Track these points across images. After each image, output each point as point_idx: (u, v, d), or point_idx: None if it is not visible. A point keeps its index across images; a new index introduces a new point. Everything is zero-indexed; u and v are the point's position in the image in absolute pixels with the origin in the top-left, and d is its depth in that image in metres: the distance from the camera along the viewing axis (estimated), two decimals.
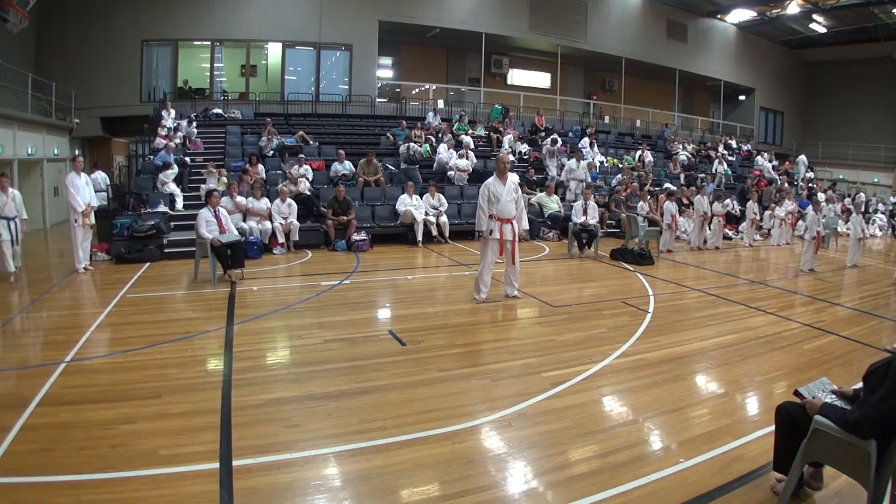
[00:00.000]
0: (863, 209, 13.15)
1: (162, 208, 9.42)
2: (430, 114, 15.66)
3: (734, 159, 18.99)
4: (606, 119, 20.91)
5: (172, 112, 13.00)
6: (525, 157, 14.74)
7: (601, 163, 15.32)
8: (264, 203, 9.30)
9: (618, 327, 5.34)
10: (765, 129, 25.40)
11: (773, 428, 2.69)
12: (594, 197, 10.36)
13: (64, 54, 14.46)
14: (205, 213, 7.07)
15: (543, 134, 16.47)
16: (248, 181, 9.76)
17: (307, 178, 10.80)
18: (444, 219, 10.51)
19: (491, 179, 6.13)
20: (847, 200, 16.13)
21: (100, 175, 11.64)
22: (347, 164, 11.52)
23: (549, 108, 19.38)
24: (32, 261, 7.93)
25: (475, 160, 12.90)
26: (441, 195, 10.92)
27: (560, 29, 19.25)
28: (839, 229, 13.50)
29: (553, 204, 11.88)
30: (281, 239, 9.15)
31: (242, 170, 10.53)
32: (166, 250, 8.47)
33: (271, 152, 12.00)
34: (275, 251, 9.04)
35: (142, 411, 3.32)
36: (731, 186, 16.22)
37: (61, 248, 8.18)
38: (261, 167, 10.82)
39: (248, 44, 16.75)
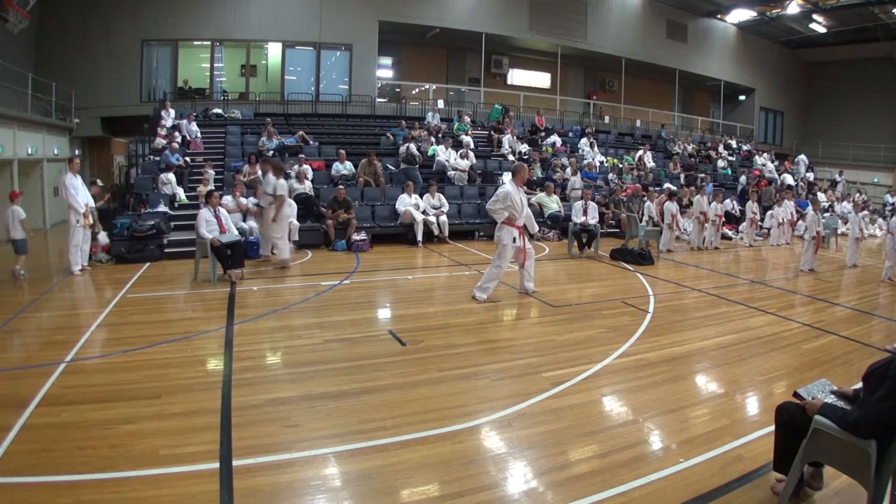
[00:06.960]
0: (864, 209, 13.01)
1: (162, 208, 9.42)
2: (430, 114, 15.66)
3: (734, 159, 18.99)
4: (606, 119, 20.93)
5: (172, 112, 13.00)
6: (525, 158, 14.72)
7: (601, 163, 15.32)
8: None
9: (618, 327, 5.33)
10: (765, 129, 25.40)
11: (773, 428, 2.69)
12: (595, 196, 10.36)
13: (64, 54, 14.46)
14: (205, 213, 7.06)
15: (543, 134, 16.47)
16: (241, 179, 9.79)
17: (307, 178, 10.80)
18: (444, 218, 10.51)
19: (512, 188, 6.20)
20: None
21: None
22: (348, 164, 11.52)
23: (549, 108, 19.39)
24: (32, 261, 7.90)
25: (475, 160, 12.89)
26: (441, 195, 10.91)
27: (560, 29, 19.26)
28: (839, 229, 13.49)
29: (553, 204, 11.87)
30: None
31: (236, 170, 10.57)
32: (166, 250, 8.48)
33: (271, 152, 11.99)
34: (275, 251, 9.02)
35: (142, 411, 3.32)
36: (731, 186, 16.22)
37: (61, 248, 8.17)
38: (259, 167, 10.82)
39: (248, 44, 16.76)
